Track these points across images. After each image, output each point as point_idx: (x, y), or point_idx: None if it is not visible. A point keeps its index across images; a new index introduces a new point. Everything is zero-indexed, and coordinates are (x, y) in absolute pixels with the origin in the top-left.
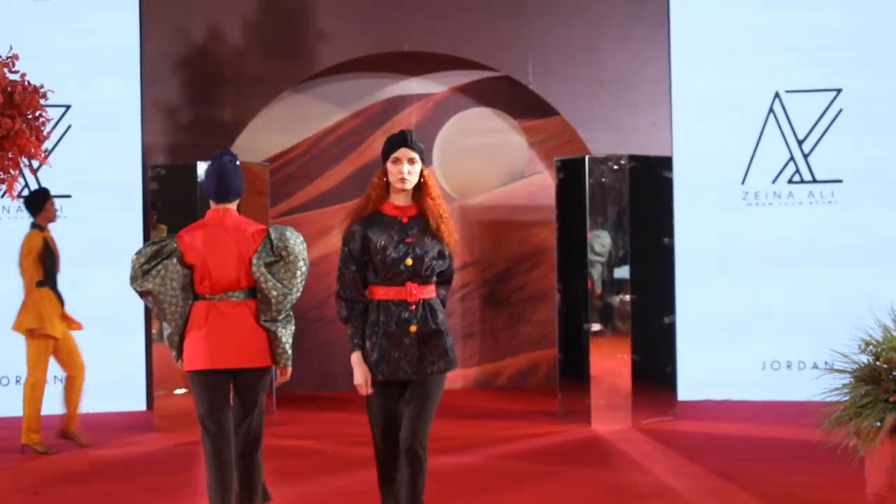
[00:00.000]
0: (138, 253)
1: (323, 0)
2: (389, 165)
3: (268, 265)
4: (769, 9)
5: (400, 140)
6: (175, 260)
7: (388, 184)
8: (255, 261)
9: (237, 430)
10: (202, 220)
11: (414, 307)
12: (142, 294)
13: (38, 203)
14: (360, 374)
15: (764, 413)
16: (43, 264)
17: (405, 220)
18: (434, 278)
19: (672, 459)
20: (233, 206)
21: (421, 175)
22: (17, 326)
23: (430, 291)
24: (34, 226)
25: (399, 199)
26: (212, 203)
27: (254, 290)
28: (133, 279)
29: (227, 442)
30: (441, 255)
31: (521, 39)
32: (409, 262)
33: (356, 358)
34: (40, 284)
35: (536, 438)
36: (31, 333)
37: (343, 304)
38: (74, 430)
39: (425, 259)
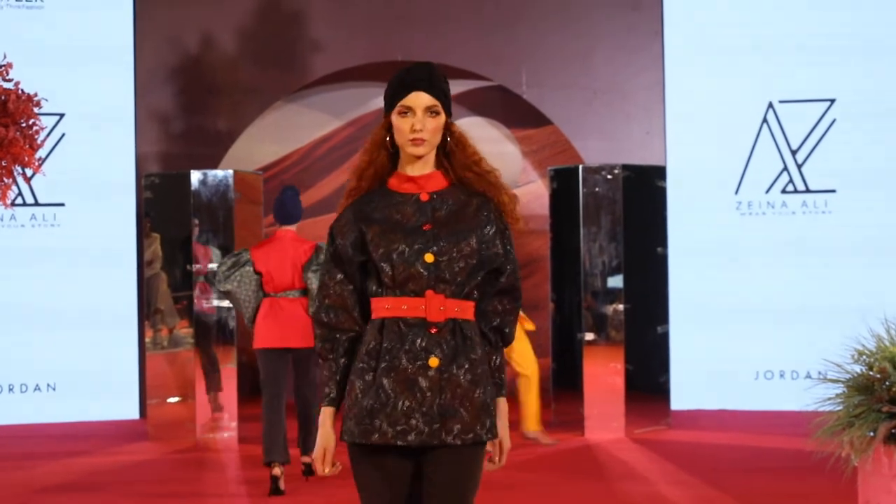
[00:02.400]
0: (221, 262)
1: (316, 10)
2: (395, 119)
3: (314, 272)
4: (763, 19)
5: (411, 78)
6: (248, 268)
7: (393, 146)
8: (305, 269)
9: (296, 394)
10: (270, 238)
11: (437, 330)
12: (223, 293)
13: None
14: (321, 442)
15: (757, 423)
16: None
17: (425, 196)
18: (474, 290)
19: (665, 469)
20: (293, 227)
21: (448, 132)
22: None
23: (465, 310)
24: None
25: (414, 167)
26: (277, 224)
27: (305, 290)
28: (218, 282)
29: (279, 400)
30: (487, 249)
31: (515, 49)
32: (429, 258)
33: (324, 416)
34: None
35: (530, 447)
36: None
37: (321, 330)
38: (537, 429)
39: (456, 255)
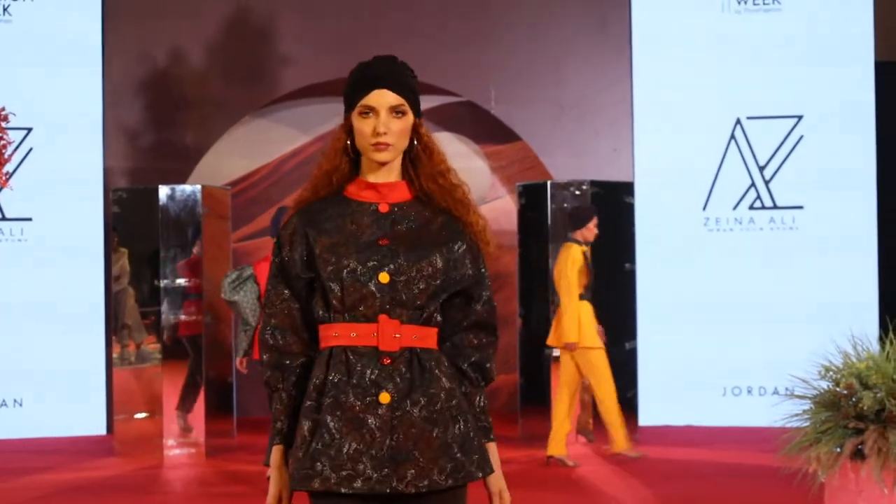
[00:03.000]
0: (227, 276)
1: (285, 25)
2: (356, 120)
3: None
4: (731, 36)
5: (372, 74)
6: (251, 282)
7: (353, 151)
8: None
9: None
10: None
11: (390, 361)
12: (229, 303)
13: (582, 220)
14: (274, 487)
15: (725, 438)
16: (583, 278)
17: (385, 207)
18: (435, 315)
19: (633, 485)
20: None
21: (415, 134)
22: (555, 341)
23: (425, 337)
24: (571, 240)
25: (377, 174)
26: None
27: None
28: (224, 293)
29: None
30: (454, 269)
31: (484, 65)
32: (384, 277)
33: (274, 458)
34: (582, 298)
35: None
36: (568, 347)
37: (269, 355)
38: (628, 446)
39: (415, 275)
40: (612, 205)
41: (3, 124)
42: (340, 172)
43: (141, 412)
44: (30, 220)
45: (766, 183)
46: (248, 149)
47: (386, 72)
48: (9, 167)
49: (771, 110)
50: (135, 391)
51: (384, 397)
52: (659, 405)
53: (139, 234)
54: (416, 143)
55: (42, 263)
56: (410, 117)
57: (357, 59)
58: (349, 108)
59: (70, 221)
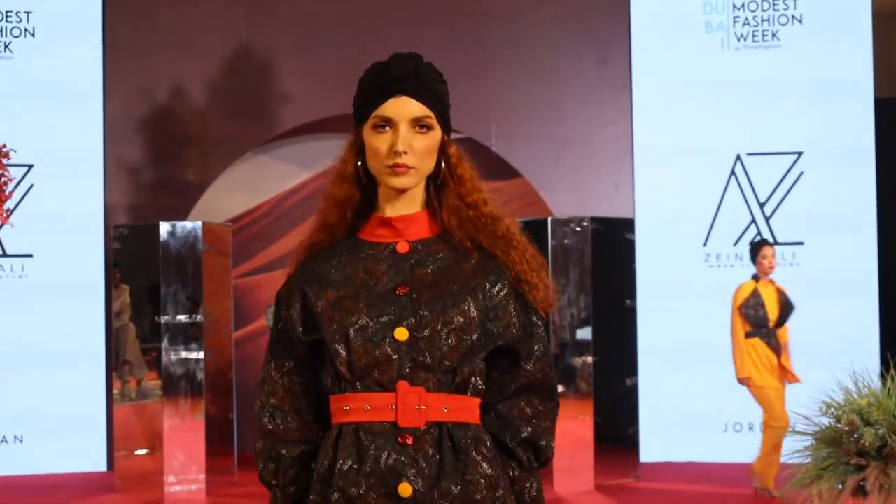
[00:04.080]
0: (270, 306)
1: (286, 62)
2: (369, 135)
3: None
4: (731, 73)
5: (390, 77)
6: None
7: (367, 175)
8: None
9: None
10: None
11: (412, 440)
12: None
13: (752, 253)
14: None
15: (726, 475)
16: (745, 315)
17: (404, 246)
18: (476, 381)
19: None
20: None
21: (443, 156)
22: (739, 373)
23: (461, 409)
24: (753, 276)
25: (395, 206)
26: None
27: None
28: (268, 321)
29: None
30: (495, 318)
31: (484, 101)
32: (402, 334)
33: None
34: (748, 336)
35: None
36: (742, 383)
37: (262, 442)
38: (769, 485)
39: (442, 329)
40: (613, 241)
41: (4, 161)
42: (351, 203)
43: (141, 448)
44: (30, 256)
45: (767, 219)
46: (248, 185)
47: (408, 74)
48: (9, 203)
49: (771, 147)
50: (135, 427)
51: (405, 489)
52: (660, 441)
53: (140, 271)
54: (443, 165)
55: (43, 300)
56: (438, 133)
57: None
58: (360, 120)
59: (71, 258)
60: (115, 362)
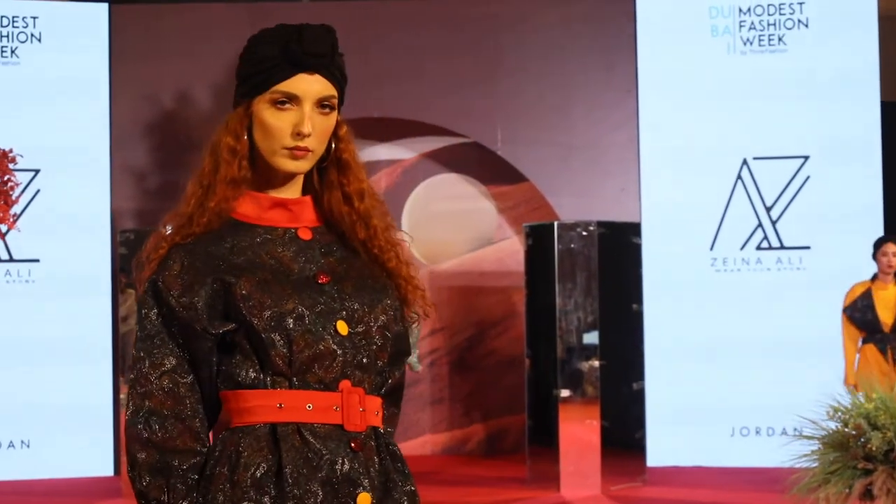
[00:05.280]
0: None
1: None
2: (265, 110)
3: None
4: (737, 77)
5: (305, 49)
6: None
7: (251, 153)
8: None
9: None
10: None
11: (357, 445)
12: None
13: (875, 248)
14: None
15: (734, 479)
16: (851, 318)
17: (306, 233)
18: (380, 380)
19: None
20: None
21: (335, 138)
22: (845, 379)
23: (377, 412)
24: (872, 276)
25: (285, 189)
26: None
27: None
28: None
29: None
30: (396, 323)
31: (490, 106)
32: (343, 327)
33: None
34: (864, 341)
35: (502, 495)
36: (849, 389)
37: (145, 454)
38: None
39: (373, 325)
40: (619, 245)
41: (11, 166)
42: (236, 181)
43: None
44: (37, 261)
45: (773, 223)
46: None
47: (325, 50)
48: (16, 209)
49: (777, 151)
50: None
51: (364, 499)
52: (667, 446)
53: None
54: (332, 146)
55: (50, 304)
56: (335, 114)
57: (364, 101)
58: (252, 92)
59: (77, 262)
60: (121, 367)
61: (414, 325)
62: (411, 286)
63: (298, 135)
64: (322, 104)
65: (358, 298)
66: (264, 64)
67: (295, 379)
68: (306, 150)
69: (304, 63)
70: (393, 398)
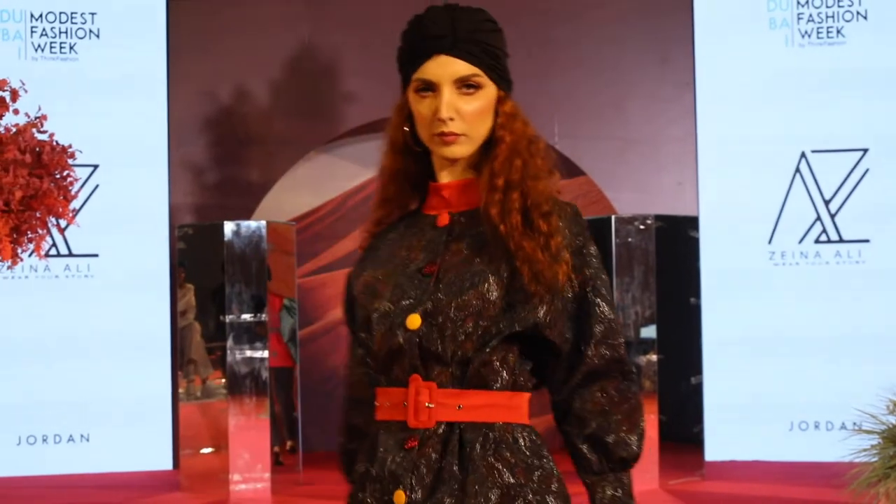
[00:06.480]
0: None
1: (349, 61)
2: (413, 99)
3: None
4: (795, 70)
5: (427, 32)
6: None
7: (418, 143)
8: None
9: None
10: None
11: (416, 442)
12: None
13: None
14: None
15: (792, 474)
16: None
17: (445, 218)
18: (505, 373)
19: None
20: None
21: (499, 116)
22: None
23: (480, 406)
24: None
25: (451, 172)
26: None
27: None
28: None
29: None
30: (520, 305)
31: (547, 100)
32: (414, 321)
33: None
34: None
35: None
36: None
37: (341, 436)
38: None
39: (456, 314)
40: (677, 239)
41: (70, 161)
42: (407, 174)
43: (207, 447)
44: (96, 256)
45: (832, 216)
46: (312, 185)
47: (443, 30)
48: (75, 204)
49: (836, 144)
50: (200, 426)
51: (398, 497)
52: (725, 440)
53: (205, 270)
54: (497, 124)
55: (108, 299)
56: (490, 91)
57: None
58: (405, 83)
59: (136, 257)
60: (180, 361)
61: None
62: (540, 263)
63: (440, 121)
64: (465, 85)
65: (449, 287)
66: (403, 55)
67: (383, 377)
68: (453, 134)
69: (428, 48)
70: (608, 378)
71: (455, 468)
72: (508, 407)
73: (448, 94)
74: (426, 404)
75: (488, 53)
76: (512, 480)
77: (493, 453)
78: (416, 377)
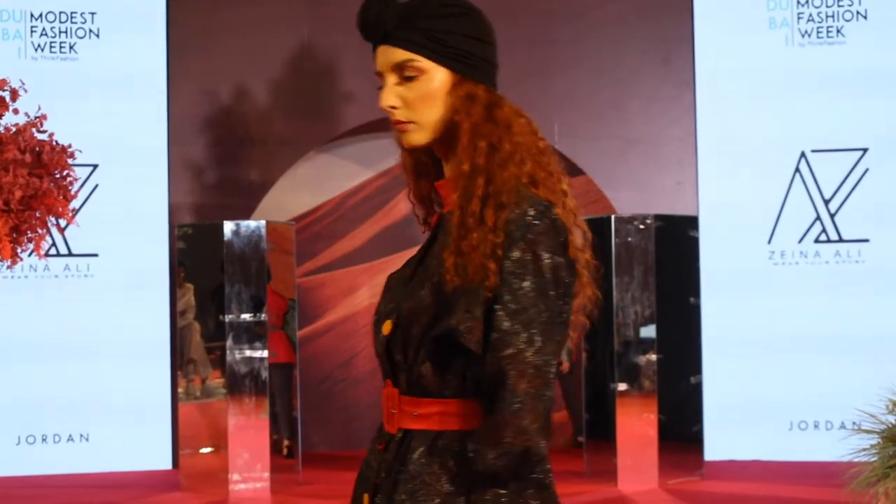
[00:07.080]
0: None
1: (348, 61)
2: None
3: None
4: (795, 69)
5: (362, 28)
6: None
7: None
8: None
9: None
10: None
11: (383, 445)
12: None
13: None
14: None
15: (791, 473)
16: None
17: (435, 218)
18: (453, 380)
19: None
20: None
21: (456, 101)
22: None
23: (430, 415)
24: None
25: (447, 169)
26: None
27: None
28: None
29: None
30: (446, 308)
31: (547, 99)
32: (386, 327)
33: None
34: None
35: (563, 499)
36: None
37: None
38: None
39: (410, 318)
40: (677, 239)
41: (70, 161)
42: (417, 170)
43: (206, 447)
44: (96, 255)
45: (832, 216)
46: (312, 184)
47: (374, 20)
48: (75, 204)
49: (836, 143)
50: (200, 426)
51: (365, 500)
52: (724, 440)
53: (204, 270)
54: (453, 111)
55: (108, 299)
56: (435, 76)
57: None
58: None
59: (135, 257)
60: (179, 361)
61: None
62: (466, 256)
63: (385, 110)
64: (403, 71)
65: (411, 291)
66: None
67: (383, 381)
68: (400, 122)
69: (372, 41)
70: (493, 391)
71: (404, 475)
72: (461, 416)
73: (391, 82)
74: (392, 410)
75: (431, 38)
76: (449, 489)
77: (439, 462)
78: (389, 382)
